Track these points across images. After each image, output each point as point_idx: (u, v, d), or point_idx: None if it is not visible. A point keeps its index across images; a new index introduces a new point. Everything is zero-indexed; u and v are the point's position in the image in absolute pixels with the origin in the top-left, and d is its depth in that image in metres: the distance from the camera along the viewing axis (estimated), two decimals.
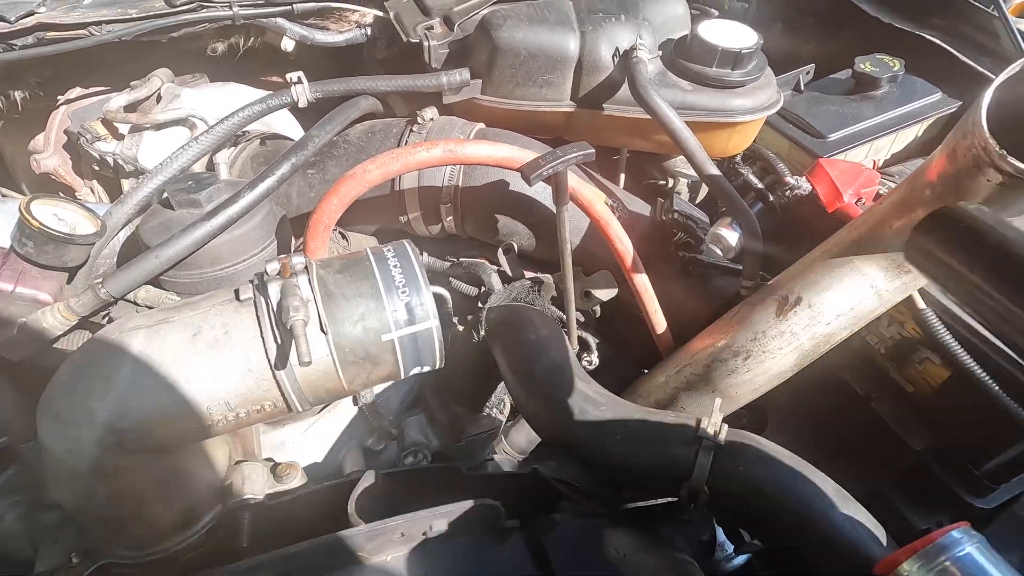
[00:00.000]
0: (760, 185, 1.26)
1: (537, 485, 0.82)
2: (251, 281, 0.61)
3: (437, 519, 0.57)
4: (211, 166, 1.09)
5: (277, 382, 0.58)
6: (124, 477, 0.59)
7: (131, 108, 1.14)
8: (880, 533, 0.64)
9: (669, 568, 0.64)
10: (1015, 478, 1.05)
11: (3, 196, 1.22)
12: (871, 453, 1.14)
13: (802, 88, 1.47)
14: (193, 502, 0.66)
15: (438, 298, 1.09)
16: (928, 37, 1.48)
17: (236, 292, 0.61)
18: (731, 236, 1.10)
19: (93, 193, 1.20)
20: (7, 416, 0.72)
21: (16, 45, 1.00)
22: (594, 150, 0.85)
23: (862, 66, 1.42)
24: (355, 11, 1.20)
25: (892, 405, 1.13)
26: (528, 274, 1.13)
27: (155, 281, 0.84)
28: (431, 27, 1.10)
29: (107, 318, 0.80)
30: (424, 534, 0.57)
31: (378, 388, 0.99)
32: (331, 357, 0.60)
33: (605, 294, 1.18)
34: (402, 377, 0.67)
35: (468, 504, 0.60)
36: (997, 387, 0.94)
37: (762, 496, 0.66)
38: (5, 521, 0.73)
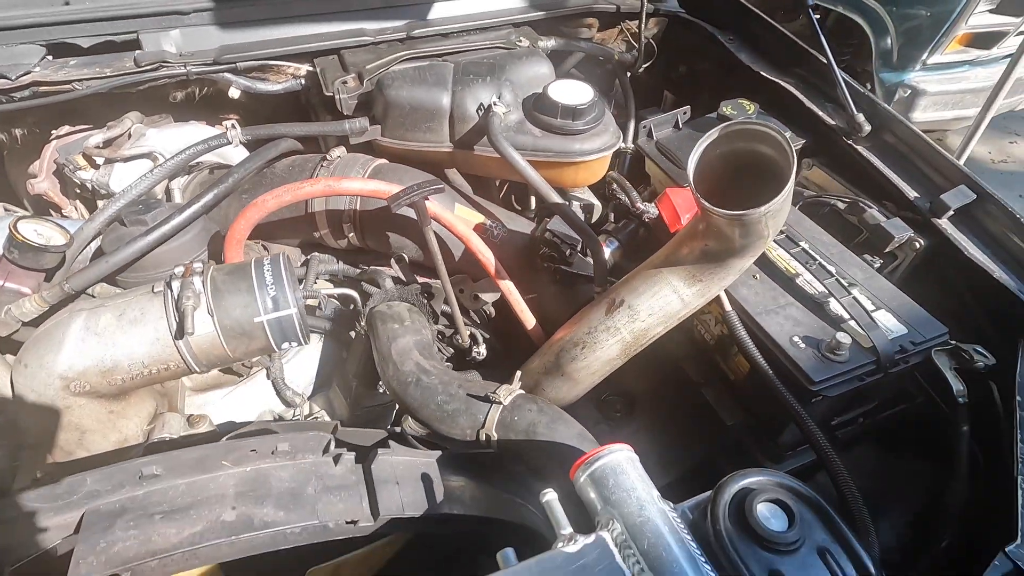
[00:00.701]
0: (632, 208, 1.53)
1: (397, 438, 1.08)
2: (165, 280, 0.89)
3: (282, 442, 0.84)
4: (168, 192, 1.38)
5: (177, 348, 0.86)
6: (72, 412, 0.86)
7: (107, 144, 1.43)
8: None
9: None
10: (800, 447, 1.31)
11: (7, 211, 1.50)
12: (705, 429, 1.40)
13: (680, 126, 1.75)
14: (123, 438, 0.93)
15: (345, 297, 1.37)
16: (783, 84, 1.76)
17: (152, 287, 0.88)
18: (605, 252, 1.37)
19: (76, 211, 1.49)
20: None
21: (15, 97, 1.29)
22: (442, 184, 1.12)
23: (724, 109, 1.69)
24: (291, 66, 1.49)
25: (715, 390, 1.39)
26: (421, 280, 1.41)
27: (112, 280, 1.13)
28: (345, 81, 1.39)
29: None
30: (272, 452, 0.83)
31: (290, 365, 1.26)
32: (216, 332, 0.87)
33: (490, 296, 1.46)
34: (276, 350, 0.94)
35: (306, 433, 0.86)
36: (772, 373, 1.18)
37: (531, 435, 0.92)
38: None
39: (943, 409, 1.22)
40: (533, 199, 1.63)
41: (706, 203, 0.93)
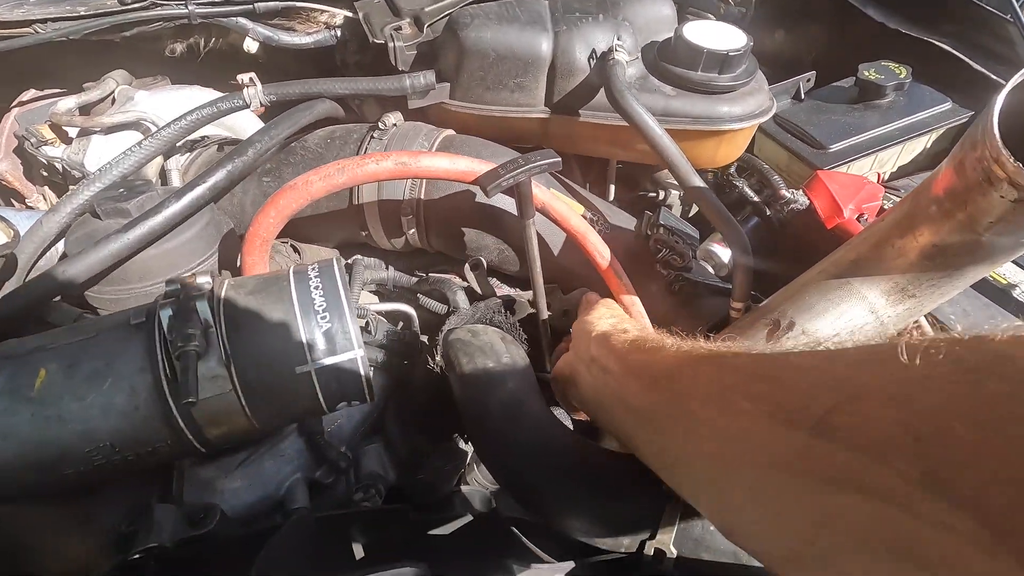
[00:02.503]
0: (756, 199, 1.17)
1: (499, 528, 0.73)
2: (149, 305, 0.54)
3: None
4: (164, 173, 1.03)
5: (169, 422, 0.50)
6: None
7: (83, 111, 1.08)
8: None
9: None
10: None
11: None
12: None
13: (802, 96, 1.39)
14: (85, 552, 0.58)
15: (402, 315, 1.02)
16: (937, 43, 1.39)
17: (130, 316, 0.53)
18: (723, 253, 1.01)
19: (45, 200, 1.14)
20: None
21: None
22: (560, 159, 0.77)
23: (866, 73, 1.33)
24: (323, 11, 1.14)
25: None
26: (500, 292, 1.05)
27: (79, 299, 0.77)
28: (399, 27, 1.03)
29: None
30: None
31: (330, 414, 0.91)
32: (235, 392, 0.52)
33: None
34: (327, 413, 0.59)
35: (394, 571, 0.51)
36: None
37: (739, 559, 0.57)
38: None
39: None
40: (612, 187, 1.28)
41: (1021, 166, 0.57)
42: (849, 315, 0.81)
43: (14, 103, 1.12)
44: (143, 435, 0.51)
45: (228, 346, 0.51)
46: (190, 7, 1.00)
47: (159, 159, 1.02)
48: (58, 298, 0.71)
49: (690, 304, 1.08)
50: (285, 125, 0.86)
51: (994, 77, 1.29)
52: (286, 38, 1.12)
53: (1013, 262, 1.01)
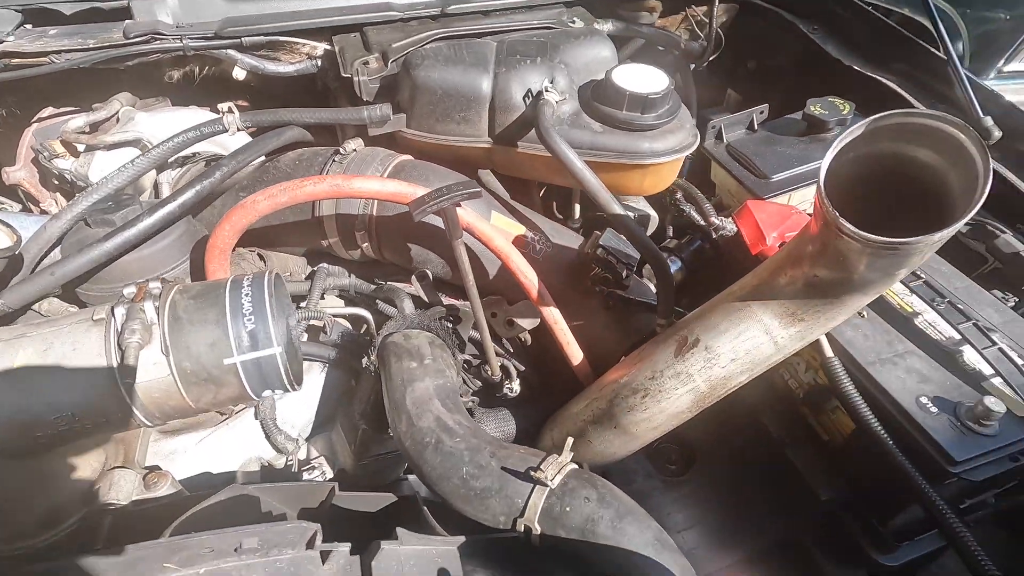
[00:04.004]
0: (703, 223, 1.27)
1: (413, 508, 0.85)
2: (110, 305, 0.67)
3: (247, 536, 0.61)
4: (157, 185, 1.17)
5: (117, 397, 0.63)
6: None
7: (91, 128, 1.23)
8: None
9: None
10: (919, 537, 1.03)
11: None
12: (785, 498, 1.13)
13: (755, 128, 1.48)
14: (56, 504, 0.71)
15: (356, 319, 1.14)
16: (884, 81, 1.48)
17: (93, 313, 0.66)
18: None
19: (56, 204, 1.29)
20: None
21: None
22: (480, 189, 0.88)
23: (812, 108, 1.43)
24: (306, 44, 1.28)
25: (805, 452, 1.12)
26: (447, 301, 1.17)
27: (71, 296, 0.91)
28: (367, 62, 1.16)
29: None
30: (235, 550, 0.60)
31: (284, 402, 1.04)
32: (172, 377, 0.65)
33: (528, 323, 1.21)
34: (254, 399, 0.71)
35: (283, 524, 0.63)
36: (892, 444, 0.92)
37: (588, 535, 0.68)
38: None
39: None
40: (578, 207, 1.38)
41: (844, 223, 0.67)
42: (747, 335, 0.91)
43: (33, 120, 1.28)
44: (98, 407, 0.63)
45: (168, 339, 0.64)
46: (184, 41, 1.15)
47: (153, 172, 1.16)
48: (50, 295, 0.85)
49: (622, 318, 1.19)
50: (253, 150, 1.00)
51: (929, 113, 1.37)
52: (271, 67, 1.26)
53: (916, 295, 1.08)
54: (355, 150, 1.09)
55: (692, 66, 1.65)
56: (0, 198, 1.36)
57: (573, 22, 1.33)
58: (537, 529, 0.70)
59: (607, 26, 1.43)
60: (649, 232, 1.47)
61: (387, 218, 1.05)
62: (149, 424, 0.66)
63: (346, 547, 0.67)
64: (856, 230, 0.66)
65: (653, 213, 1.41)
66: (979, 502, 1.03)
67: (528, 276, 1.02)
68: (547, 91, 1.00)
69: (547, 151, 1.02)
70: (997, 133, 1.27)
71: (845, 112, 1.42)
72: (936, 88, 1.43)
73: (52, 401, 0.62)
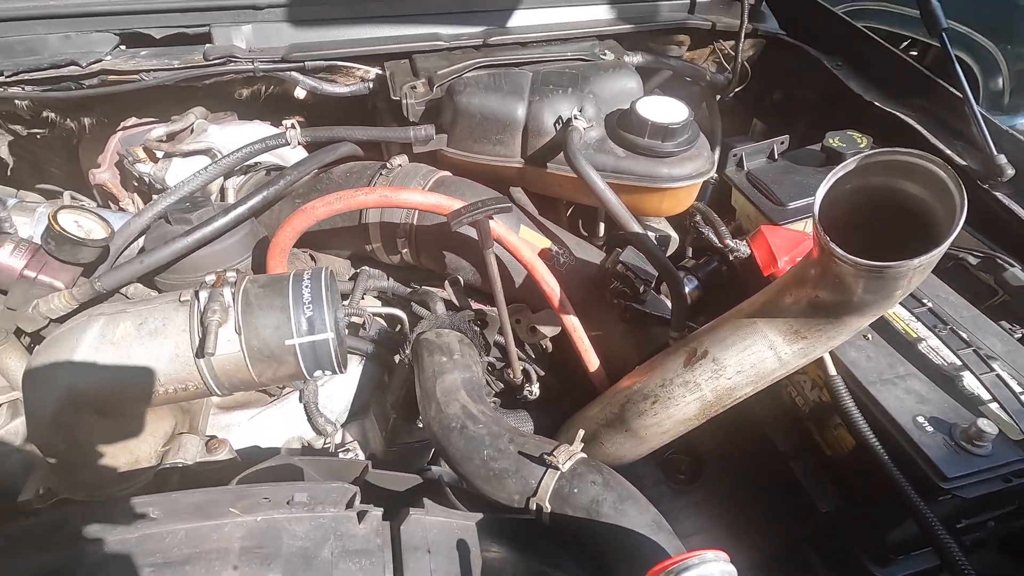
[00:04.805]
0: (720, 245, 1.35)
1: (435, 486, 0.94)
2: (194, 289, 0.79)
3: (299, 492, 0.71)
4: (223, 191, 1.31)
5: (197, 368, 0.75)
6: (78, 431, 0.76)
7: (169, 138, 1.39)
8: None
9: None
10: (916, 552, 1.08)
11: (73, 199, 1.48)
12: (789, 510, 1.19)
13: (776, 157, 1.56)
14: (134, 459, 0.83)
15: (392, 318, 1.25)
16: (902, 116, 1.54)
17: (180, 295, 0.78)
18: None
19: (133, 204, 1.45)
20: (20, 376, 0.92)
21: (84, 85, 1.26)
22: (510, 205, 0.99)
23: (830, 141, 1.50)
24: (360, 68, 1.41)
25: (808, 465, 1.18)
26: (475, 306, 1.27)
27: (151, 282, 1.05)
28: (414, 87, 1.29)
29: None
30: (288, 502, 0.71)
31: (326, 389, 1.15)
32: (242, 353, 0.76)
33: (549, 330, 1.31)
34: (306, 377, 0.82)
35: (329, 484, 0.73)
36: (888, 459, 0.97)
37: (592, 514, 0.76)
38: (11, 460, 0.93)
39: None
40: (602, 226, 1.47)
41: (835, 247, 0.75)
42: (752, 349, 0.98)
43: (119, 128, 1.44)
44: (179, 375, 0.75)
45: (240, 321, 0.75)
46: (255, 64, 1.29)
47: (220, 179, 1.30)
48: (136, 281, 0.98)
49: (637, 330, 1.27)
50: (312, 163, 1.13)
51: (946, 151, 1.43)
52: (328, 88, 1.40)
53: (921, 321, 1.14)
54: (400, 165, 1.21)
55: (718, 97, 1.73)
56: (79, 195, 1.53)
57: (605, 54, 1.44)
58: (548, 508, 0.79)
59: (636, 58, 1.53)
60: (669, 252, 1.55)
61: (426, 227, 1.17)
62: (218, 393, 0.78)
63: (379, 511, 0.76)
64: (845, 254, 0.74)
65: (674, 234, 1.49)
66: (977, 524, 1.06)
67: (551, 286, 1.11)
68: (576, 119, 1.11)
69: (573, 173, 1.13)
70: (1010, 171, 1.32)
71: (863, 145, 1.48)
72: (954, 125, 1.49)
73: (143, 367, 0.74)
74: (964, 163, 1.41)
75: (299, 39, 1.38)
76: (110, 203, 1.47)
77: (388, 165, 1.19)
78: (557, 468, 0.79)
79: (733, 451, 1.32)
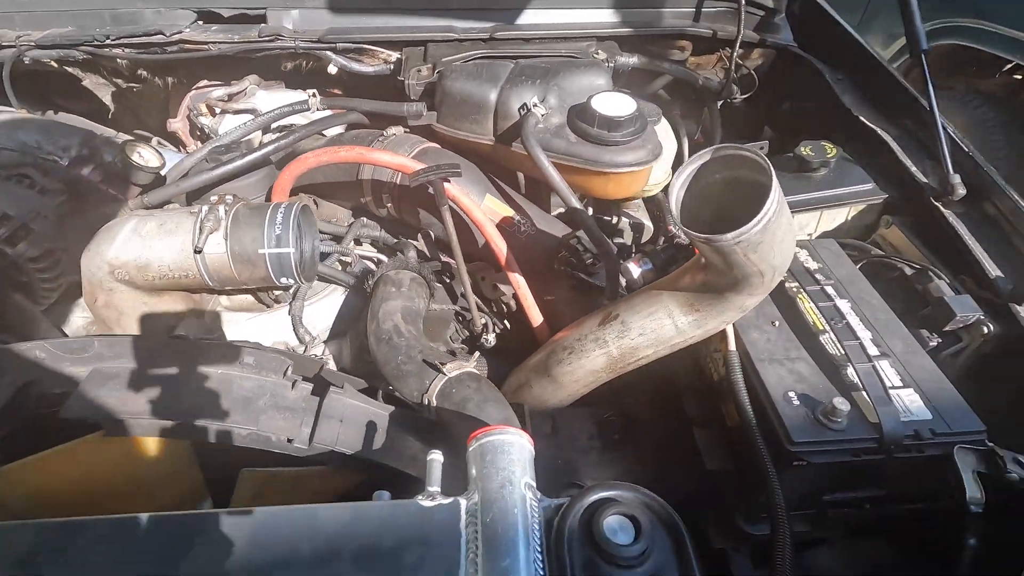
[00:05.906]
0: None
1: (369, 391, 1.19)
2: (203, 205, 1.08)
3: (247, 355, 0.98)
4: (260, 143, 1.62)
5: (194, 261, 1.03)
6: (113, 294, 1.07)
7: (229, 98, 1.71)
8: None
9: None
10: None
11: (160, 144, 1.85)
12: (690, 470, 1.34)
13: None
14: (153, 326, 1.14)
15: (376, 261, 1.51)
16: (879, 132, 1.61)
17: (192, 207, 1.07)
18: (634, 270, 1.38)
19: (196, 148, 1.79)
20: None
21: (167, 51, 1.61)
22: (459, 169, 1.20)
23: (802, 149, 1.60)
24: (383, 52, 1.67)
25: (708, 433, 1.32)
26: (444, 259, 1.50)
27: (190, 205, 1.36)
28: (419, 70, 1.53)
29: None
30: (238, 362, 0.98)
31: (311, 309, 1.42)
32: (227, 255, 1.04)
33: (509, 289, 1.52)
34: (275, 281, 1.09)
35: (270, 353, 0.99)
36: (754, 424, 1.11)
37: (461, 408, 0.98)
38: None
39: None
40: (590, 209, 1.65)
41: (682, 225, 0.91)
42: (655, 316, 1.16)
43: (194, 87, 1.79)
44: (183, 265, 1.04)
45: (228, 230, 1.03)
46: (296, 42, 1.58)
47: (259, 133, 1.61)
48: (174, 201, 1.29)
49: (581, 298, 1.46)
50: (321, 124, 1.40)
51: (910, 166, 1.50)
52: (356, 67, 1.67)
53: (823, 315, 1.25)
54: (394, 134, 1.46)
55: (719, 102, 1.84)
56: (162, 140, 1.89)
57: (597, 53, 1.61)
58: (434, 403, 1.01)
59: (631, 60, 1.69)
60: (645, 238, 1.71)
61: (406, 187, 1.41)
62: (210, 283, 1.06)
63: (309, 385, 1.02)
64: (687, 229, 0.91)
65: (648, 223, 1.65)
66: (845, 500, 1.17)
67: (498, 244, 1.32)
68: (535, 106, 1.30)
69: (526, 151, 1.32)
70: (962, 191, 1.38)
71: (830, 156, 1.58)
72: (928, 145, 1.54)
73: (160, 255, 1.03)
74: (924, 180, 1.48)
75: (336, 24, 1.66)
76: (180, 147, 1.83)
77: (384, 133, 1.45)
78: (444, 374, 1.01)
79: (657, 417, 1.48)
